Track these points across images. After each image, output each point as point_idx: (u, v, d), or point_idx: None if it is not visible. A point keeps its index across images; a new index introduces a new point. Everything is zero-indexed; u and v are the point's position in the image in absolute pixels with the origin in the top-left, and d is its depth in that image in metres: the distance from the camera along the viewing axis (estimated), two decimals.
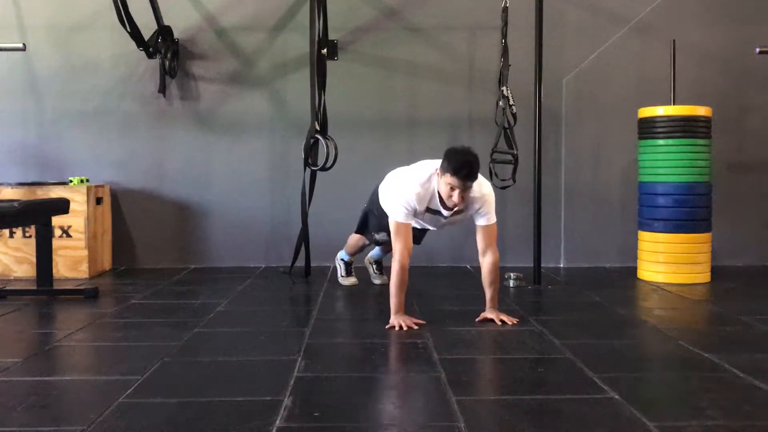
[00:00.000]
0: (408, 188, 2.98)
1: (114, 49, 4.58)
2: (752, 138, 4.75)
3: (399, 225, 2.96)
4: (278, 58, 4.66)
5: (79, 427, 1.77)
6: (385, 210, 3.28)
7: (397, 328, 2.82)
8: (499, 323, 2.92)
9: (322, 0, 4.00)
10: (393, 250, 2.97)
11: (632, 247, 4.33)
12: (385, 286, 3.79)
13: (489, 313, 2.99)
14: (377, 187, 3.52)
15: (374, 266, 3.98)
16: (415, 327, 2.84)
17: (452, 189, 2.85)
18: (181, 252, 4.69)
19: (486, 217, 3.01)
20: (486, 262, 3.02)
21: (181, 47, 4.62)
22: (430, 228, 3.36)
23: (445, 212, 3.02)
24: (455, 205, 2.93)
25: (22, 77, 4.61)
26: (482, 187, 3.01)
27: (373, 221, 3.58)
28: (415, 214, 3.01)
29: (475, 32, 4.66)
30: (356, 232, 3.77)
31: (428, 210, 3.05)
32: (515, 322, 2.94)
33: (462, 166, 2.80)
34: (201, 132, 4.66)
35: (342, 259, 3.95)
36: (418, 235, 3.47)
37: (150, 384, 2.14)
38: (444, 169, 2.86)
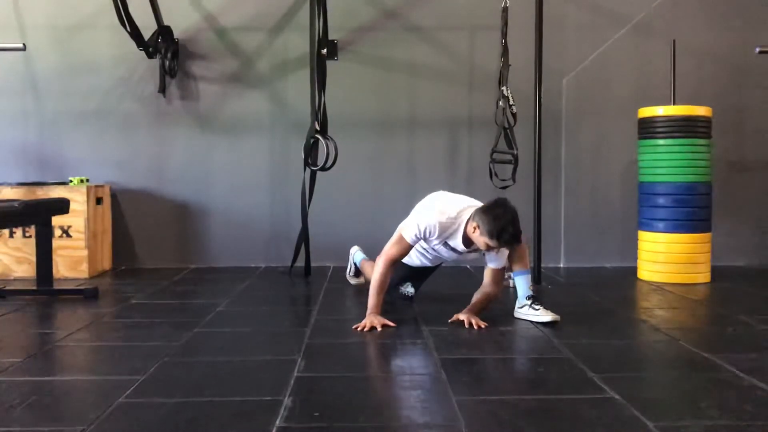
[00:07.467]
0: (434, 216, 2.92)
1: (114, 49, 4.57)
2: (752, 138, 4.74)
3: (403, 240, 2.95)
4: (278, 58, 4.66)
5: (79, 427, 1.77)
6: (404, 223, 3.07)
7: (368, 328, 2.79)
8: (468, 326, 2.85)
9: (322, 0, 4.00)
10: (385, 251, 2.96)
11: (632, 247, 4.33)
12: None
13: (461, 314, 2.92)
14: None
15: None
16: (392, 325, 2.83)
17: (490, 248, 2.83)
18: (181, 252, 4.69)
19: (498, 262, 2.99)
20: (484, 291, 3.02)
21: (181, 47, 4.62)
22: (445, 258, 3.21)
23: (460, 249, 2.97)
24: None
25: (22, 77, 4.61)
26: None
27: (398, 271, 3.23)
28: (428, 240, 2.98)
29: (475, 32, 4.66)
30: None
31: (445, 244, 3.01)
32: (484, 326, 2.85)
33: (502, 232, 2.74)
34: (201, 132, 4.66)
35: (355, 262, 3.86)
36: (425, 272, 3.42)
37: (150, 384, 2.13)
38: (482, 229, 2.77)
